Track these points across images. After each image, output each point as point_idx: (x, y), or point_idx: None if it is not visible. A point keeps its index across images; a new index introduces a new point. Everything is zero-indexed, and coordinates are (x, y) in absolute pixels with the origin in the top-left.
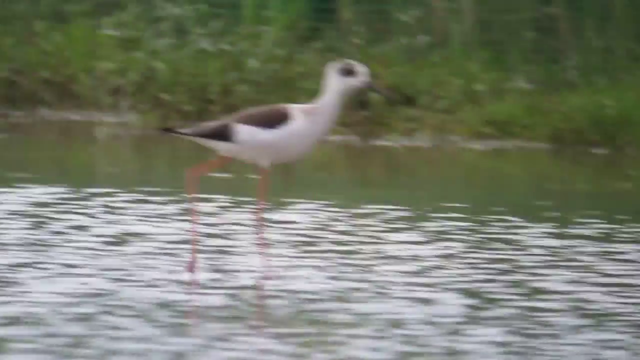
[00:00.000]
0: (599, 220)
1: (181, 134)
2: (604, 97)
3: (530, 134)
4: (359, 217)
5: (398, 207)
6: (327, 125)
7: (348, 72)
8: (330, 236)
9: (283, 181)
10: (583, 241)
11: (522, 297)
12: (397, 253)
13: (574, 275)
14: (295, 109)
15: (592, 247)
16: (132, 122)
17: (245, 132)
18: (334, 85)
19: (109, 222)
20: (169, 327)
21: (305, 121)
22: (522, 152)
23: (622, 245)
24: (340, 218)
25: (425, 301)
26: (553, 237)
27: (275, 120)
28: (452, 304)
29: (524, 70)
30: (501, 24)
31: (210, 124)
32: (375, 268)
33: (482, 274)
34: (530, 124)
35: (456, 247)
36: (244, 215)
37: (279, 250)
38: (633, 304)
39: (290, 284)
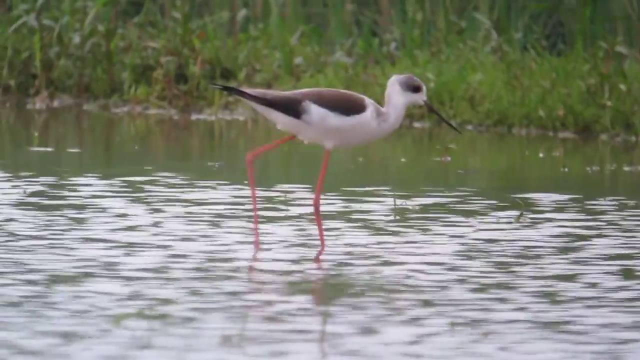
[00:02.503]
0: (418, 191)
1: (247, 96)
2: (424, 71)
3: None
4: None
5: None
6: (391, 130)
7: (414, 88)
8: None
9: (105, 156)
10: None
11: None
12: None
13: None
14: (370, 104)
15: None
16: None
17: (317, 113)
18: (399, 99)
19: None
20: None
21: (376, 120)
22: None
23: (448, 215)
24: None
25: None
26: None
27: (351, 108)
28: None
29: (344, 44)
30: None
31: (279, 95)
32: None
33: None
34: None
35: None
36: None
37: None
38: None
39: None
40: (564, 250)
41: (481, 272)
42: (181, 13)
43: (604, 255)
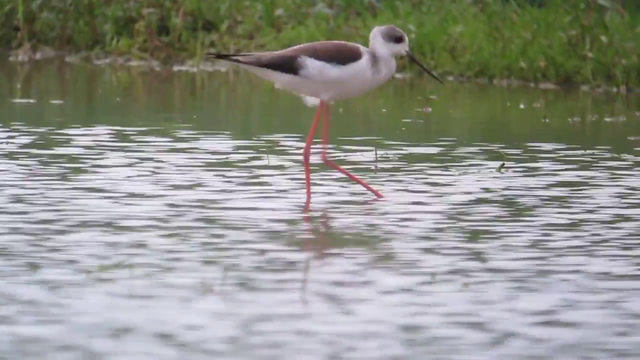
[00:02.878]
0: (399, 142)
1: (240, 62)
2: (406, 22)
3: None
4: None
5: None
6: (384, 81)
7: (396, 39)
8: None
9: (87, 108)
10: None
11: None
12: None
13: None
14: (366, 52)
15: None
16: None
17: (314, 67)
18: (383, 50)
19: None
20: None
21: (371, 69)
22: None
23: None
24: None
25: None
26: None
27: (347, 57)
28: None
29: None
30: None
31: (273, 55)
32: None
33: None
34: None
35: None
36: None
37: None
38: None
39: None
40: (553, 200)
41: (473, 221)
42: None
43: (594, 204)
